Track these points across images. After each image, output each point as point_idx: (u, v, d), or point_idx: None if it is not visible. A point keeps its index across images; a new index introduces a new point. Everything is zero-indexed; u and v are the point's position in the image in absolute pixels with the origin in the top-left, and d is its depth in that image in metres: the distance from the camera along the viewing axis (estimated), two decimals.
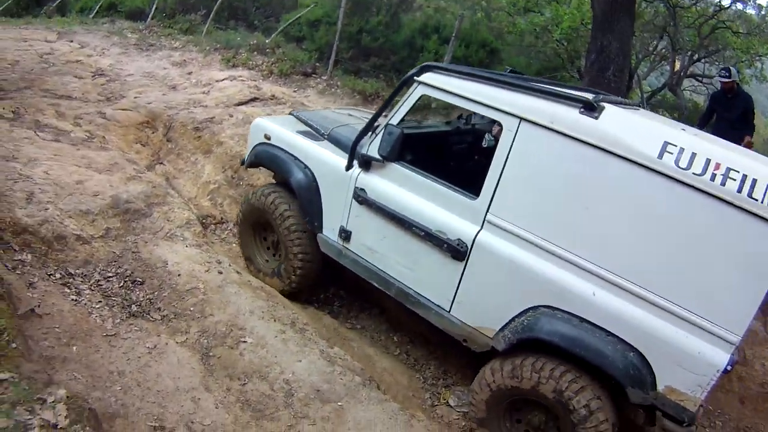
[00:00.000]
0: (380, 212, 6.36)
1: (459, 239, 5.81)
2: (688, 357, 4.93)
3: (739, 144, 9.31)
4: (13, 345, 4.83)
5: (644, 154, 4.93)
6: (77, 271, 6.56)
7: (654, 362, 5.09)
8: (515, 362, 5.61)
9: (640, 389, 5.08)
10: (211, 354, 6.01)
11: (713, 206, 4.75)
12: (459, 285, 5.95)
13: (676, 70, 19.13)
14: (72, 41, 16.04)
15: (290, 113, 8.25)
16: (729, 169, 4.71)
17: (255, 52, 16.31)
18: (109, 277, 6.67)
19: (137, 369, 5.56)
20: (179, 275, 6.90)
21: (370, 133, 6.55)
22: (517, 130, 5.49)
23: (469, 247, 5.78)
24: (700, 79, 21.00)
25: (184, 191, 9.61)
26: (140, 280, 6.74)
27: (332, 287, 8.43)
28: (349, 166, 6.61)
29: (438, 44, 15.66)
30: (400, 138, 6.06)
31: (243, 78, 14.45)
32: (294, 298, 7.67)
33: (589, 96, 5.34)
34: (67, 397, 4.28)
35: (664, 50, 20.31)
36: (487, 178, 5.70)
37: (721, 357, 4.82)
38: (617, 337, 5.17)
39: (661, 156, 4.88)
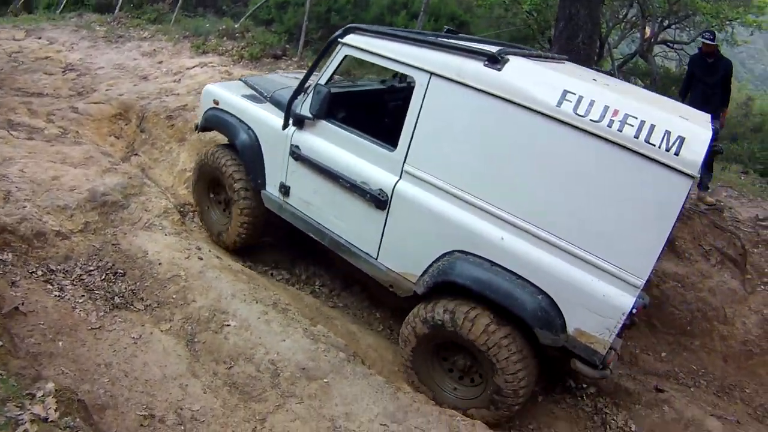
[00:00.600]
0: (312, 167, 6.74)
1: (380, 189, 6.16)
2: (595, 300, 5.15)
3: (718, 115, 9.45)
4: (0, 343, 4.87)
5: (543, 102, 5.14)
6: (59, 266, 6.60)
7: (562, 305, 5.33)
8: (434, 305, 5.91)
9: (548, 331, 5.32)
10: (196, 340, 6.07)
11: (611, 152, 4.95)
12: (383, 233, 6.30)
13: (646, 37, 19.16)
14: (40, 38, 15.89)
15: (239, 78, 8.73)
16: (627, 115, 4.90)
17: (224, 38, 16.22)
18: (91, 270, 6.70)
19: (124, 360, 5.61)
20: (160, 264, 6.93)
21: (303, 93, 6.88)
22: (428, 84, 5.78)
23: (389, 196, 6.11)
24: (671, 45, 21.08)
25: (161, 180, 9.62)
26: (122, 271, 6.78)
27: (312, 267, 8.52)
28: (285, 125, 6.99)
29: (407, 20, 15.65)
30: (328, 97, 6.45)
31: (213, 64, 14.38)
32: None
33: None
34: (56, 390, 4.32)
35: (634, 18, 20.31)
36: (402, 130, 6.01)
37: (626, 300, 5.05)
38: (526, 280, 5.42)
39: (559, 104, 5.09)
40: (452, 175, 5.77)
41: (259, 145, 7.39)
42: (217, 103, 7.94)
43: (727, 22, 18.66)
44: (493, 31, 17.82)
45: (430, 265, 5.99)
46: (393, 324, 7.69)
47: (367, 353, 6.85)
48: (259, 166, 7.42)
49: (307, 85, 6.87)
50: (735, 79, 10.85)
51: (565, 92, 5.10)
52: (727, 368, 8.10)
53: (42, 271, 6.41)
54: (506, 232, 5.50)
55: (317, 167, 6.69)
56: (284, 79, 8.43)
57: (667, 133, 4.78)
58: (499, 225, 5.54)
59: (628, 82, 19.00)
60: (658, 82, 18.06)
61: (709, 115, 5.77)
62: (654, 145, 4.78)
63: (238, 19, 18.17)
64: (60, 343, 5.54)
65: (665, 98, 6.32)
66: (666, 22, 19.50)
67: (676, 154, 4.73)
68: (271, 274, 8.16)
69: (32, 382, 4.46)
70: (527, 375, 5.64)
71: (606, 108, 4.96)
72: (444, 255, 5.88)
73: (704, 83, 10.19)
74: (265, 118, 7.31)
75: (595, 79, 5.71)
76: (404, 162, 6.04)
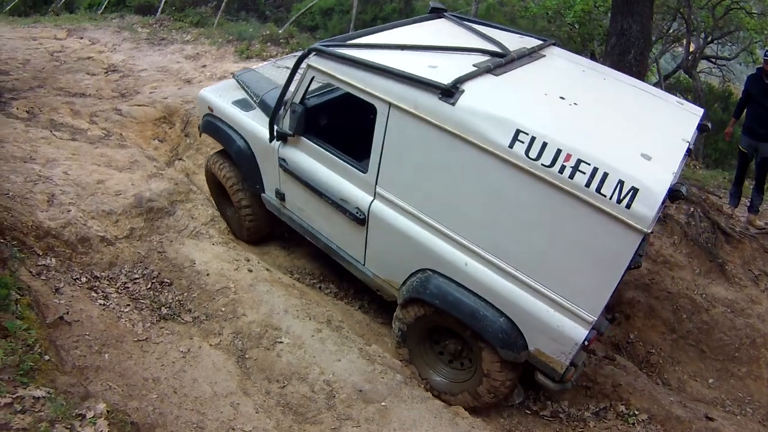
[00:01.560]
0: (299, 180, 6.91)
1: (357, 208, 6.37)
2: (550, 329, 5.39)
3: None
4: (46, 357, 4.67)
5: (495, 143, 5.10)
6: (103, 273, 6.44)
7: (523, 328, 5.61)
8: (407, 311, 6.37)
9: (509, 350, 5.66)
10: (247, 356, 5.88)
11: (563, 198, 4.91)
12: (366, 244, 6.58)
13: (690, 51, 18.96)
14: (82, 38, 15.86)
15: (232, 74, 8.73)
16: (579, 161, 4.79)
17: (268, 43, 16.11)
18: (136, 279, 6.55)
19: (172, 375, 5.43)
20: (208, 275, 6.77)
21: (283, 107, 6.90)
22: (388, 114, 5.80)
23: (366, 214, 6.32)
24: (713, 60, 20.84)
25: (206, 187, 9.46)
26: (168, 280, 6.62)
27: (360, 281, 8.30)
28: (271, 139, 7.07)
29: None
30: (303, 115, 6.59)
31: None
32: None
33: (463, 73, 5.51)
34: (107, 411, 4.12)
35: (676, 32, 20.13)
36: (372, 154, 6.11)
37: (578, 332, 5.24)
38: (490, 303, 5.69)
39: (512, 145, 5.03)
40: (418, 201, 5.94)
41: (253, 154, 7.53)
42: (211, 109, 8.05)
43: None
44: None
45: (409, 277, 6.26)
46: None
47: None
48: (255, 172, 7.60)
49: (286, 98, 6.86)
50: None
51: (518, 132, 5.01)
52: None
53: (86, 277, 6.25)
54: (470, 259, 5.71)
55: (303, 181, 6.87)
56: (275, 71, 8.48)
57: (620, 183, 4.67)
58: (463, 251, 5.75)
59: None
60: (701, 99, 17.80)
61: (690, 133, 5.58)
62: (605, 196, 4.71)
63: (281, 24, 18.12)
64: (106, 356, 5.36)
65: (656, 103, 6.17)
66: (710, 38, 19.29)
67: (628, 207, 4.65)
68: (320, 288, 7.95)
69: (81, 400, 4.26)
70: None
71: (558, 152, 4.86)
72: (419, 270, 6.13)
73: (761, 105, 9.84)
74: (255, 129, 7.41)
75: (566, 91, 5.67)
76: (376, 184, 6.19)
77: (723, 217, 9.94)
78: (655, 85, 17.76)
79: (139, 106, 11.40)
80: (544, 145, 4.90)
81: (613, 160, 4.76)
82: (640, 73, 11.21)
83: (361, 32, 6.78)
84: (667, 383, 7.98)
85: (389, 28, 6.88)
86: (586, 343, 5.24)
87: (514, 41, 6.69)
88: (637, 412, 6.78)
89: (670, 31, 20.36)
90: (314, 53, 6.34)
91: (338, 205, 6.54)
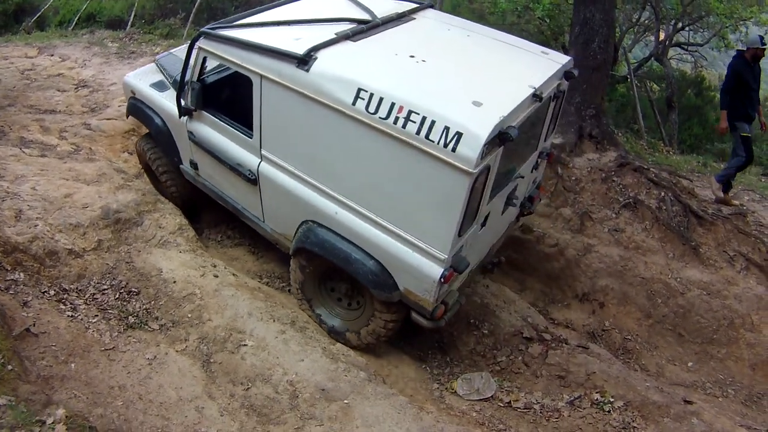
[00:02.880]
0: (205, 150, 7.60)
1: (249, 170, 7.07)
2: (412, 268, 5.96)
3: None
4: (9, 367, 4.77)
5: (341, 101, 5.74)
6: (71, 286, 6.50)
7: (391, 270, 6.18)
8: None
9: (381, 290, 6.26)
10: (212, 360, 5.96)
11: (399, 147, 5.50)
12: (261, 202, 7.28)
13: (660, 39, 19.03)
14: (53, 55, 15.82)
15: (154, 60, 9.41)
16: (410, 112, 5.35)
17: None
18: (104, 289, 6.62)
19: (138, 382, 5.51)
20: (175, 282, 6.83)
21: (186, 86, 7.49)
22: (261, 84, 6.48)
23: (257, 175, 7.02)
24: (685, 47, 20.93)
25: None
26: (136, 290, 6.68)
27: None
28: (180, 115, 7.73)
29: None
30: (200, 91, 7.31)
31: None
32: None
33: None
34: (66, 416, 4.20)
35: (647, 21, 20.18)
36: (254, 119, 6.80)
37: (435, 270, 5.80)
38: (360, 248, 6.29)
39: (354, 102, 5.65)
40: (293, 160, 6.61)
41: (169, 130, 8.22)
42: (134, 93, 8.80)
43: (741, 22, 18.59)
44: None
45: (296, 230, 6.91)
46: (414, 341, 7.56)
47: (388, 371, 6.75)
48: (171, 146, 8.32)
49: (187, 78, 7.43)
50: None
51: (359, 90, 5.62)
52: (755, 376, 8.01)
53: (54, 290, 6.31)
54: (339, 208, 6.34)
55: (208, 151, 7.54)
56: None
57: (446, 129, 5.18)
58: (332, 201, 6.38)
59: (644, 86, 18.97)
60: (674, 85, 17.91)
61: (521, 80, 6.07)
62: (433, 142, 5.24)
63: None
64: (72, 366, 5.44)
65: (515, 55, 6.84)
66: (680, 24, 19.36)
67: (453, 150, 5.16)
68: (289, 291, 7.95)
69: (42, 407, 4.34)
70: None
71: (392, 105, 5.43)
72: (304, 222, 6.76)
73: (750, 88, 10.02)
74: (168, 108, 8.06)
75: (420, 50, 6.31)
76: (260, 147, 6.90)
77: (695, 200, 10.00)
78: (626, 75, 17.89)
79: (108, 119, 11.41)
80: (381, 99, 5.49)
81: (441, 108, 5.30)
82: (605, 61, 11.36)
83: (254, 11, 7.50)
84: (645, 369, 8.04)
85: (281, 5, 7.63)
86: (443, 279, 5.77)
87: (388, 7, 7.37)
88: (612, 400, 6.83)
89: (641, 20, 20.42)
90: (203, 36, 7.01)
91: (236, 169, 7.23)
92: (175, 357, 5.90)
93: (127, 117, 9.38)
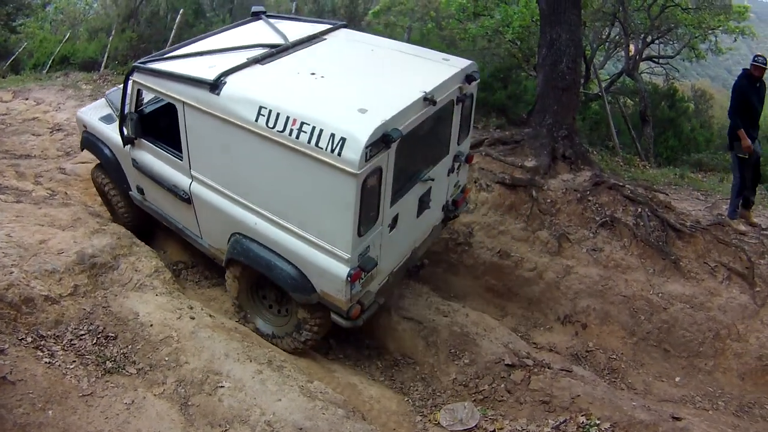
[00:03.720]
0: (146, 175, 8.29)
1: (183, 190, 7.72)
2: (323, 270, 6.51)
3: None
4: None
5: (245, 119, 6.39)
6: (49, 332, 6.47)
7: (307, 273, 6.72)
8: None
9: (300, 293, 6.82)
10: (189, 403, 5.94)
11: (296, 156, 6.08)
12: (197, 220, 7.89)
13: (631, 54, 19.19)
14: (27, 99, 15.85)
15: (105, 95, 10.15)
16: (303, 123, 5.97)
17: None
18: (82, 335, 6.59)
19: (116, 427, 5.49)
20: (152, 325, 6.81)
21: (127, 117, 8.14)
22: (183, 110, 7.17)
23: (189, 194, 7.65)
24: (656, 60, 21.12)
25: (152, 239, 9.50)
26: (113, 334, 6.66)
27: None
28: (124, 144, 8.39)
29: None
30: (138, 121, 8.06)
31: None
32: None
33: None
34: None
35: (617, 36, 20.37)
36: (182, 143, 7.47)
37: (342, 270, 6.35)
38: (279, 255, 6.85)
39: (257, 119, 6.30)
40: (216, 177, 7.27)
41: (117, 160, 8.90)
42: (85, 127, 9.58)
43: (710, 31, 18.80)
44: (479, 62, 17.74)
45: (228, 242, 7.44)
46: (395, 373, 7.58)
47: (370, 406, 6.76)
48: (120, 174, 8.98)
49: (126, 110, 8.12)
50: (724, 88, 10.82)
51: (260, 108, 6.28)
52: (745, 386, 8.07)
53: (32, 337, 6.27)
54: (257, 219, 6.92)
55: (149, 176, 8.23)
56: None
57: (332, 136, 5.78)
58: (252, 213, 6.96)
59: (617, 102, 19.09)
60: (646, 99, 18.05)
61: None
62: (322, 149, 5.83)
63: None
64: (50, 413, 5.41)
65: (415, 63, 7.52)
66: (649, 38, 19.55)
67: (339, 155, 5.74)
68: None
69: None
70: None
71: (287, 118, 6.06)
72: (232, 235, 7.33)
73: (754, 107, 10.09)
74: (115, 138, 8.67)
75: (321, 67, 7.06)
76: (190, 168, 7.55)
77: (672, 214, 10.06)
78: (598, 93, 18.01)
79: (83, 163, 11.46)
80: (278, 115, 6.13)
81: (328, 118, 5.93)
82: (574, 81, 11.47)
83: (185, 42, 8.42)
84: (632, 387, 8.06)
85: (211, 36, 8.51)
86: (349, 278, 6.30)
87: (302, 30, 8.22)
88: (598, 422, 6.82)
89: (610, 36, 20.58)
90: (135, 70, 7.75)
91: (172, 191, 7.88)
92: (153, 401, 5.87)
93: (82, 150, 9.92)
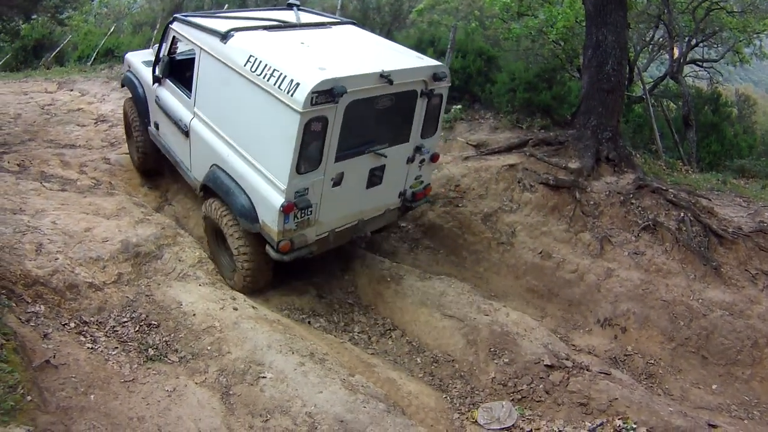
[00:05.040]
0: (163, 111, 9.59)
1: (185, 124, 8.87)
2: (264, 199, 7.38)
3: None
4: (29, 398, 4.82)
5: (237, 63, 7.54)
6: (92, 318, 6.53)
7: (255, 203, 7.61)
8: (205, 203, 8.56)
9: (248, 222, 7.64)
10: (231, 392, 5.94)
11: (264, 94, 7.13)
12: (190, 153, 9.02)
13: (675, 57, 18.89)
14: (72, 90, 16.04)
15: (152, 46, 11.20)
16: (274, 69, 7.04)
17: None
18: (124, 322, 6.64)
19: (158, 413, 5.51)
20: (194, 315, 6.86)
21: (160, 60, 9.58)
22: (200, 54, 8.43)
23: (188, 128, 8.81)
24: (700, 63, 20.83)
25: (196, 230, 9.54)
26: (155, 322, 6.70)
27: (350, 313, 8.50)
28: (153, 82, 9.79)
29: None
30: (168, 64, 9.49)
31: None
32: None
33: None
34: None
35: (661, 39, 20.07)
36: (192, 83, 8.69)
37: (277, 199, 7.18)
38: (238, 185, 7.79)
39: (245, 64, 7.41)
40: (209, 113, 8.40)
41: (146, 97, 10.41)
42: (129, 67, 11.20)
43: (755, 35, 18.50)
44: (522, 63, 17.63)
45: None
46: (435, 369, 7.52)
47: (408, 401, 6.69)
48: (145, 109, 10.45)
49: (161, 54, 9.57)
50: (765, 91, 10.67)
51: (249, 56, 7.40)
52: None
53: (75, 323, 6.34)
54: (230, 151, 7.93)
55: (164, 111, 9.54)
56: None
57: (291, 80, 6.79)
58: (226, 146, 8.00)
59: (661, 105, 18.86)
60: (690, 103, 17.75)
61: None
62: (282, 90, 6.84)
63: None
64: (92, 397, 5.46)
65: (392, 54, 8.39)
66: (694, 41, 19.25)
67: (291, 95, 6.74)
68: (309, 323, 8.02)
69: None
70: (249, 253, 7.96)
71: (265, 66, 7.15)
72: (211, 167, 8.30)
73: None
74: (148, 78, 10.05)
75: (312, 41, 8.15)
76: (194, 105, 8.70)
77: (715, 219, 9.92)
78: (641, 95, 17.79)
79: (127, 154, 11.56)
80: (259, 62, 7.23)
81: (293, 68, 6.94)
82: (619, 83, 11.37)
83: (225, 11, 10.09)
84: (668, 393, 7.94)
85: (245, 10, 10.62)
86: (282, 208, 7.10)
87: (316, 19, 9.58)
88: (635, 426, 6.70)
89: (654, 39, 20.33)
90: (174, 20, 9.22)
91: (177, 125, 9.11)
92: (194, 389, 5.90)
93: (122, 86, 11.65)
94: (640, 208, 10.07)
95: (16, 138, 11.93)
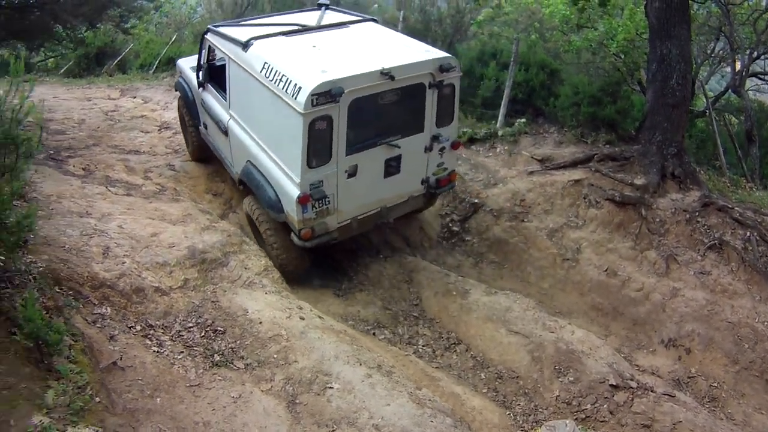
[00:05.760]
0: (207, 113, 10.45)
1: (224, 124, 9.66)
2: (285, 192, 8.07)
3: None
4: (97, 399, 4.83)
5: (255, 70, 8.29)
6: (158, 322, 6.56)
7: (280, 196, 8.26)
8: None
9: (275, 212, 8.36)
10: (297, 401, 5.92)
11: (277, 98, 7.76)
12: (231, 150, 9.79)
13: (737, 70, 18.50)
14: (135, 97, 16.24)
15: None
16: (283, 75, 7.69)
17: None
18: (190, 327, 6.66)
19: (223, 419, 5.50)
20: (261, 323, 6.84)
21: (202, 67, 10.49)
22: (229, 62, 9.21)
23: (226, 128, 9.60)
24: (762, 77, 20.38)
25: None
26: (221, 329, 6.70)
27: (415, 326, 8.46)
28: (198, 87, 10.73)
29: (497, 70, 15.37)
30: (207, 71, 10.43)
31: None
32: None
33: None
34: None
35: (722, 51, 19.71)
36: (226, 88, 9.52)
37: (295, 191, 7.86)
38: (268, 180, 8.48)
39: (261, 71, 8.14)
40: (240, 114, 9.22)
41: (194, 99, 11.22)
42: (180, 73, 12.12)
43: None
44: (584, 76, 17.42)
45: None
46: (499, 385, 7.45)
47: (473, 417, 6.63)
48: (195, 111, 11.30)
49: (202, 61, 10.45)
50: None
51: (264, 63, 8.10)
52: None
53: (141, 326, 6.37)
54: (258, 150, 8.68)
55: (208, 113, 10.37)
56: None
57: (295, 84, 7.42)
58: (256, 145, 8.75)
59: (723, 120, 18.51)
60: (752, 118, 17.34)
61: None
62: (289, 94, 7.48)
63: None
64: (158, 400, 5.47)
65: (400, 48, 8.80)
66: (755, 54, 18.83)
67: (295, 98, 7.35)
68: (374, 334, 8.03)
69: None
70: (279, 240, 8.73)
71: (277, 71, 7.81)
72: (246, 163, 9.01)
73: None
74: (195, 81, 10.87)
75: (324, 43, 8.70)
76: (229, 107, 9.55)
77: None
78: (704, 110, 17.48)
79: (192, 161, 11.67)
80: (272, 68, 7.91)
81: (298, 73, 7.56)
82: (684, 98, 11.22)
83: (255, 17, 11.30)
84: (731, 418, 7.79)
85: (277, 15, 11.05)
86: (299, 199, 7.78)
87: (336, 18, 10.07)
88: None
89: (715, 51, 19.97)
90: (208, 31, 10.04)
91: (218, 125, 9.89)
92: (260, 396, 5.88)
93: (175, 90, 12.50)
94: (705, 227, 9.92)
95: (80, 143, 12.09)
